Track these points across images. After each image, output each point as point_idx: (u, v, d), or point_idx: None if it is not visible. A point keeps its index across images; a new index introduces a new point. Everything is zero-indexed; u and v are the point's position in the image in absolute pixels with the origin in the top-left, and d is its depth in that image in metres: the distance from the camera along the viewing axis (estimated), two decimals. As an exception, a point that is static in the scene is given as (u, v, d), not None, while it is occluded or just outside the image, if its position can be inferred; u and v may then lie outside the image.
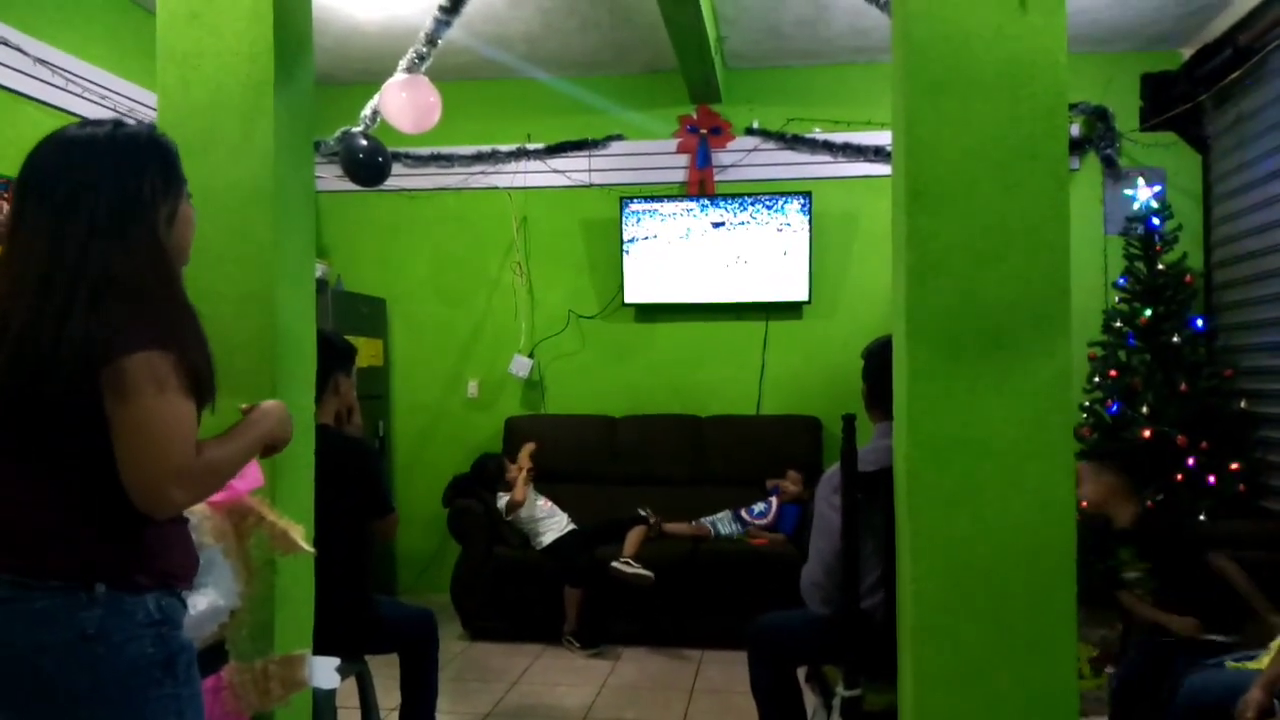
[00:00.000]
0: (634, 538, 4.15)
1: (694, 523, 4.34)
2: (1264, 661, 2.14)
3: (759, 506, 4.34)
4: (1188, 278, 4.11)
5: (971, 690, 1.73)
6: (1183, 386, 3.90)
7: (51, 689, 1.20)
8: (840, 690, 2.20)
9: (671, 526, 4.27)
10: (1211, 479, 3.78)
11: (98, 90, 3.77)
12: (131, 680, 1.23)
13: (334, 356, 2.52)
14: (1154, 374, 3.97)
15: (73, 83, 3.65)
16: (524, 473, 4.33)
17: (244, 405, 1.46)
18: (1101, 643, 3.34)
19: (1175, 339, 3.99)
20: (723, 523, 4.34)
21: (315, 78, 2.27)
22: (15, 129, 3.41)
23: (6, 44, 3.34)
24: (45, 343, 1.19)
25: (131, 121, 1.38)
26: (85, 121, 1.37)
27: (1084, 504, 2.96)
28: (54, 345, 1.19)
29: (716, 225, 4.79)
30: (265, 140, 2.02)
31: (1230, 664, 2.28)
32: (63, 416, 1.21)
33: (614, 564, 4.00)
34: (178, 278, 1.36)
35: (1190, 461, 3.81)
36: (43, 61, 3.50)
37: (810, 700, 2.51)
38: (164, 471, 1.20)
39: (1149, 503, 3.72)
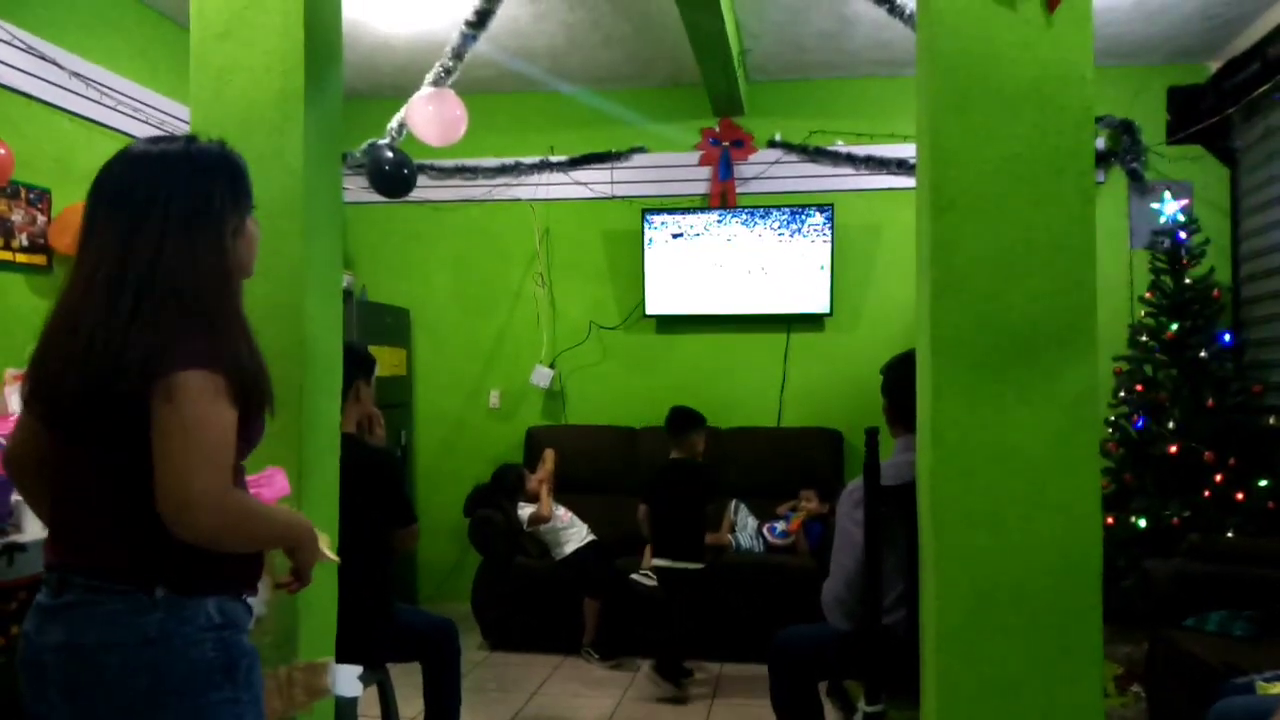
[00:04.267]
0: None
1: (713, 534, 4.33)
2: (1294, 682, 2.11)
3: (781, 525, 4.31)
4: (1215, 292, 4.07)
5: (995, 707, 1.71)
6: (1210, 402, 3.86)
7: (115, 690, 1.23)
8: (862, 706, 2.19)
9: None
10: (1240, 496, 3.73)
11: (131, 103, 3.83)
12: (191, 683, 1.25)
13: (355, 364, 2.55)
14: (1181, 389, 3.93)
15: (107, 96, 3.71)
16: (546, 485, 4.33)
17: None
18: (1127, 660, 3.30)
19: (1202, 354, 3.94)
20: (744, 536, 4.32)
21: (343, 91, 2.30)
22: (51, 141, 3.48)
23: (43, 58, 3.41)
24: (113, 346, 1.22)
25: (202, 138, 1.41)
26: (158, 137, 1.42)
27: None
28: (120, 350, 1.22)
29: (738, 237, 4.79)
30: (295, 153, 2.05)
31: (1261, 685, 2.24)
32: (125, 420, 1.23)
33: (633, 575, 3.99)
34: (238, 292, 1.39)
35: (1218, 478, 3.75)
36: (78, 75, 3.57)
37: (831, 715, 2.49)
38: (190, 488, 1.20)
39: (1175, 519, 3.69)
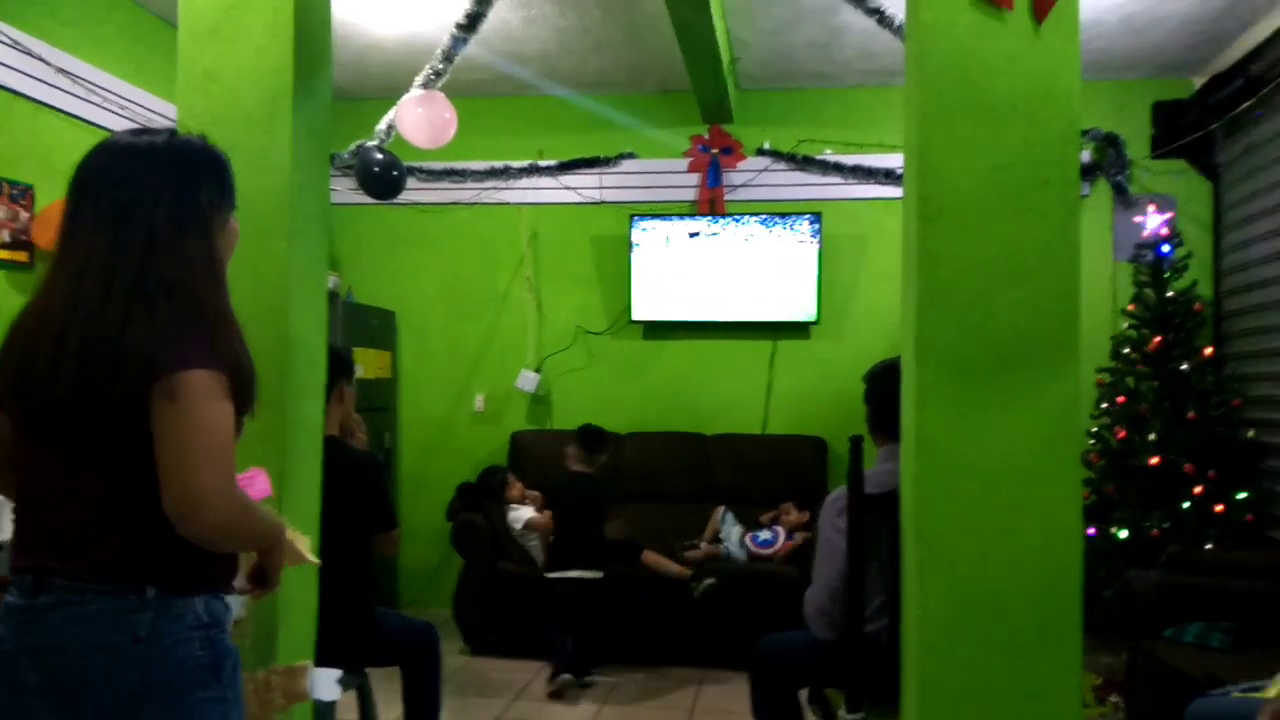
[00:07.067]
0: (660, 559, 4.11)
1: (706, 544, 4.31)
2: (1271, 691, 2.12)
3: (764, 535, 4.30)
4: (1197, 305, 4.10)
5: (975, 715, 1.72)
6: (1191, 414, 3.89)
7: (101, 690, 1.21)
8: (843, 714, 2.19)
9: (690, 554, 4.21)
10: (1219, 508, 3.76)
11: (117, 100, 3.81)
12: (179, 682, 1.24)
13: (337, 365, 2.53)
14: (1162, 401, 3.96)
15: (93, 93, 3.69)
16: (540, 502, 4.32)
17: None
18: (1107, 670, 3.32)
19: (1184, 367, 3.98)
20: (730, 545, 4.31)
21: (333, 92, 2.29)
22: (36, 137, 3.45)
23: (30, 54, 3.38)
24: (107, 347, 1.21)
25: (183, 132, 1.40)
26: (140, 130, 1.39)
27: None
28: (115, 351, 1.21)
29: (726, 244, 4.80)
30: (282, 153, 2.04)
31: (1236, 694, 2.26)
32: (117, 421, 1.22)
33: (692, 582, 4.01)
34: (227, 288, 1.38)
35: (1198, 490, 3.78)
36: (64, 71, 3.54)
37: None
38: (201, 486, 1.19)
39: (1156, 531, 3.71)
